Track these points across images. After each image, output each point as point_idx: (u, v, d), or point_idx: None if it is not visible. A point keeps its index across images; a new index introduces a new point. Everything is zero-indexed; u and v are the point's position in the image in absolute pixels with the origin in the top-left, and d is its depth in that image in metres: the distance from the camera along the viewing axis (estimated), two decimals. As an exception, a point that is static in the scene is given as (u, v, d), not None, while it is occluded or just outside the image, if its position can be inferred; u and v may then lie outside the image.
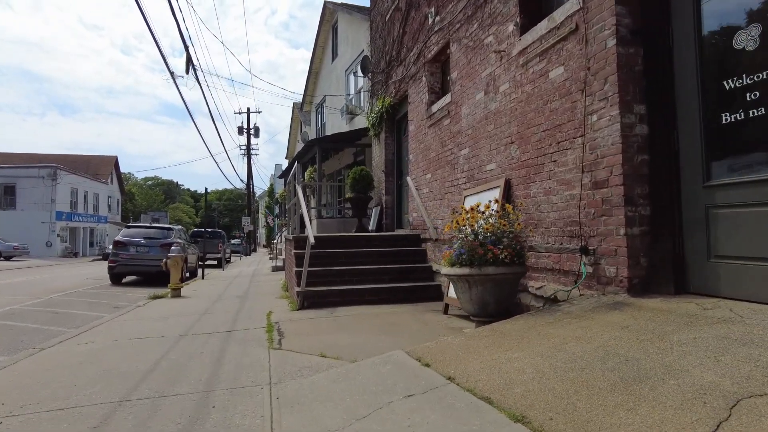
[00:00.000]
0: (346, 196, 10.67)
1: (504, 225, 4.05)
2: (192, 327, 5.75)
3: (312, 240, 6.41)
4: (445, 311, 5.82)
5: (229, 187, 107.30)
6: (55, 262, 30.47)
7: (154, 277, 14.57)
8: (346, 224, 12.47)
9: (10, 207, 38.48)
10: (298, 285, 6.66)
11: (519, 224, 4.18)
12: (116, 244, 13.91)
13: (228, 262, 28.01)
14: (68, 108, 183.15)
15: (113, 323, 6.46)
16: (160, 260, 13.81)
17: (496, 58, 5.47)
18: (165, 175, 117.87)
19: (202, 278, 14.49)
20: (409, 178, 8.37)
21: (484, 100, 5.73)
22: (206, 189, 14.55)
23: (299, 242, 7.43)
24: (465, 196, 5.98)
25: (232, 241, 41.53)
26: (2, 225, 36.77)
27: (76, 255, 40.85)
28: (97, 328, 6.14)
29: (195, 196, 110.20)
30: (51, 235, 38.70)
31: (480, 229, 4.07)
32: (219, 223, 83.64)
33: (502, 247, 3.94)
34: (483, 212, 4.13)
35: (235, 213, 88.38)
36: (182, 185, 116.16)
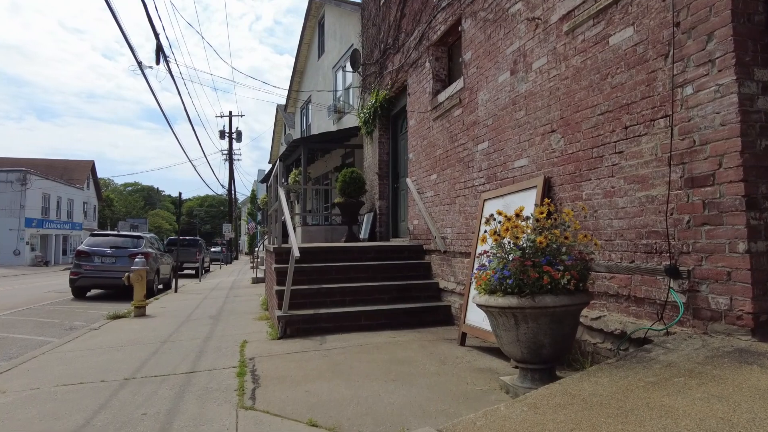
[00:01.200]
0: (335, 201, 9.54)
1: (564, 237, 2.95)
2: (145, 364, 4.55)
3: (296, 253, 5.26)
4: (462, 342, 4.70)
5: (211, 193, 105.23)
6: (22, 272, 28.67)
7: (122, 291, 13.22)
8: (335, 232, 11.33)
9: (-24, 213, 36.40)
10: (280, 307, 5.50)
11: (586, 236, 3.08)
12: (79, 254, 12.55)
13: (207, 271, 26.58)
14: (47, 112, 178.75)
15: (50, 356, 5.21)
16: (128, 271, 12.50)
17: (527, 28, 4.41)
18: (146, 181, 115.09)
19: (175, 291, 13.20)
20: (408, 180, 7.27)
21: (511, 81, 4.66)
22: (180, 194, 13.24)
23: (281, 255, 6.26)
24: (484, 200, 4.90)
25: (212, 249, 39.99)
26: (-33, 232, 34.72)
27: (47, 264, 38.84)
28: (26, 363, 4.89)
29: (176, 202, 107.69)
30: (20, 242, 36.73)
31: (527, 244, 2.97)
32: (200, 230, 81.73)
33: (562, 268, 2.84)
34: (536, 219, 3.03)
35: (217, 220, 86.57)
36: (163, 191, 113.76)
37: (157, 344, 5.52)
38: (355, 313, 5.56)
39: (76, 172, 49.79)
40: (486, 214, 4.79)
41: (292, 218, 7.30)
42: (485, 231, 3.21)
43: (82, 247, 12.73)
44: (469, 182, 5.45)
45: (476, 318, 4.49)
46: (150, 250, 13.08)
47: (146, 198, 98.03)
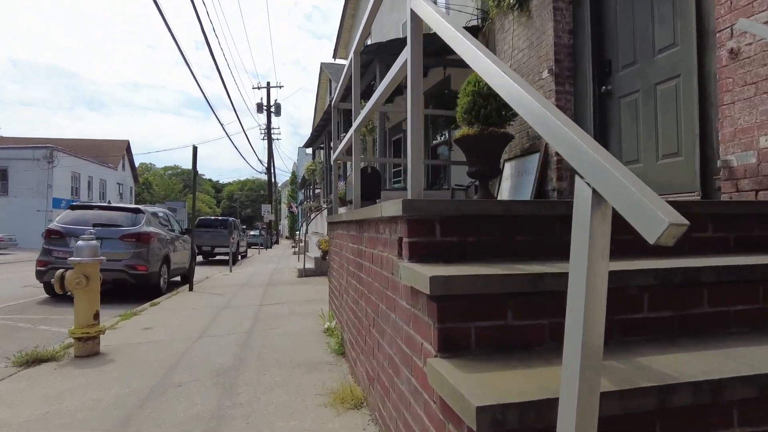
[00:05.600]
0: (457, 135, 5.00)
1: None
2: None
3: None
4: None
5: (251, 177, 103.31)
6: (42, 257, 25.60)
7: (116, 287, 9.24)
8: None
9: (2, 193, 33.97)
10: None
11: None
12: (49, 234, 8.56)
13: (243, 257, 22.72)
14: (96, 102, 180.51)
15: None
16: (119, 259, 8.44)
17: None
18: (186, 165, 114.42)
19: (191, 289, 9.08)
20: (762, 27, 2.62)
21: None
22: (195, 148, 9.02)
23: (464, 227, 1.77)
24: None
25: (251, 233, 36.31)
26: (-7, 213, 32.31)
27: (77, 247, 36.18)
28: None
29: (216, 186, 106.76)
30: (47, 224, 34.04)
31: None
32: (240, 213, 78.98)
33: None
34: None
35: (256, 204, 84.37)
36: (203, 175, 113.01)
37: None
38: None
39: (111, 153, 47.20)
40: None
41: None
42: None
43: (53, 225, 8.74)
44: None
45: None
46: (152, 229, 8.96)
47: (185, 181, 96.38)
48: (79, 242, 4.25)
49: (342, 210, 6.34)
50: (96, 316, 4.17)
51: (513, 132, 5.12)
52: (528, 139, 5.07)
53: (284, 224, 60.37)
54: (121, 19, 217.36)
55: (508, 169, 5.29)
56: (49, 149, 34.19)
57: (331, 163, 5.20)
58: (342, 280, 3.80)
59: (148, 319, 5.90)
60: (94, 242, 4.28)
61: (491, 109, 4.81)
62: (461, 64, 7.72)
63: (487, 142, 4.89)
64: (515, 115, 5.01)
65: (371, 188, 4.01)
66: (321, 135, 14.06)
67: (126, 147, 50.59)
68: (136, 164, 56.34)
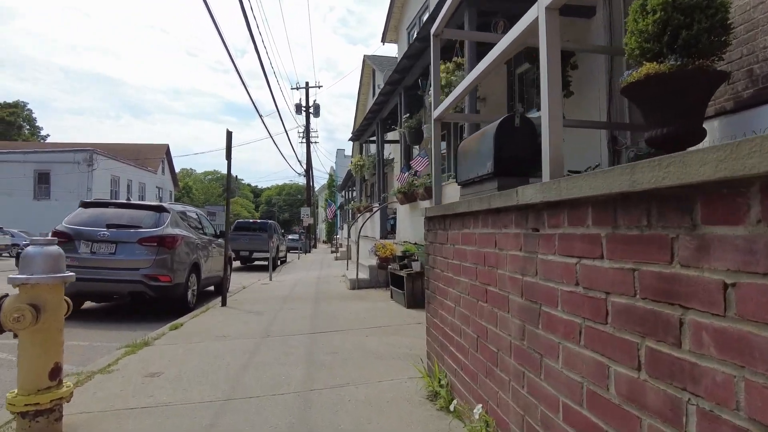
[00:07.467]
0: (636, 75, 3.09)
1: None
2: None
3: None
4: None
5: (289, 181, 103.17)
6: (79, 261, 24.87)
7: (134, 302, 7.72)
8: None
9: (44, 197, 33.86)
10: None
11: None
12: (56, 237, 7.06)
13: (283, 262, 21.21)
14: (139, 110, 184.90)
15: None
16: (137, 268, 6.90)
17: None
18: (225, 169, 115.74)
19: (223, 304, 7.43)
20: None
21: None
22: (229, 132, 7.36)
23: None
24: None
25: (290, 237, 34.94)
26: (36, 216, 32.19)
27: (116, 251, 35.77)
28: None
29: (255, 191, 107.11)
30: (87, 228, 33.72)
31: None
32: (279, 218, 78.35)
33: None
34: None
35: (294, 208, 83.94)
36: (242, 180, 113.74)
37: None
38: None
39: (151, 156, 47.04)
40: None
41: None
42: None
43: (60, 227, 7.26)
44: None
45: None
46: (178, 231, 7.36)
47: (225, 185, 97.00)
48: (29, 248, 2.56)
49: (452, 195, 4.42)
50: (54, 372, 2.47)
51: (725, 68, 3.16)
52: (752, 80, 3.08)
53: (321, 228, 59.32)
54: (161, 28, 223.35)
55: (713, 132, 3.32)
56: (89, 152, 33.90)
57: (433, 120, 3.35)
58: (504, 326, 1.93)
59: (160, 354, 4.20)
60: (53, 248, 2.59)
61: (700, 29, 2.87)
62: (564, 10, 5.77)
63: (687, 85, 2.95)
64: (728, 44, 3.04)
65: (518, 151, 2.17)
66: (371, 125, 12.30)
67: (165, 150, 50.45)
68: (177, 169, 56.29)
